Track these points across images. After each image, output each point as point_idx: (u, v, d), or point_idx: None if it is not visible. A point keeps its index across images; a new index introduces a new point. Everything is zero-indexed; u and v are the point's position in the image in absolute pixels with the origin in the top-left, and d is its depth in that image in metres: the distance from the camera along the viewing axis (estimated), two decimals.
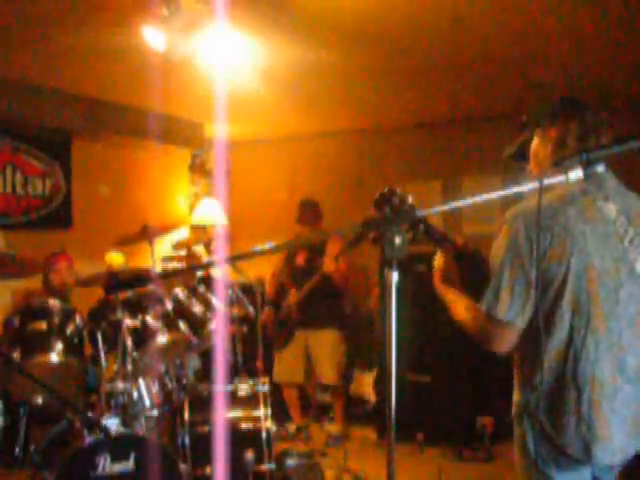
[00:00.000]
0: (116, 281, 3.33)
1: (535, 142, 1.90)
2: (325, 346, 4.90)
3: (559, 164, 1.40)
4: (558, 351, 1.67)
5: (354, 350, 5.51)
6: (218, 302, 3.79)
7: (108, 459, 2.83)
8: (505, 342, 1.72)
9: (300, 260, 4.98)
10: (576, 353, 1.66)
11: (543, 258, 1.65)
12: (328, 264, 4.64)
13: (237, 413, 3.43)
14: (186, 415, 3.32)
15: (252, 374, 3.97)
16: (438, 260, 1.98)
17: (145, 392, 3.38)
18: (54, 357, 3.17)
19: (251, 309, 4.24)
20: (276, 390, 4.56)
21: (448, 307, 1.92)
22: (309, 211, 5.03)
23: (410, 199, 1.46)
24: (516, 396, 1.80)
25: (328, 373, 4.90)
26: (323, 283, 4.80)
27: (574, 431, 1.66)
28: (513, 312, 1.68)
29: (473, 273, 2.13)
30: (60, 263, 4.15)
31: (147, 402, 3.37)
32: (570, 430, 1.66)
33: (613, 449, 1.67)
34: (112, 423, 2.96)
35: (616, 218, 1.74)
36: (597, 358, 1.66)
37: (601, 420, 1.65)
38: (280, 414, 4.70)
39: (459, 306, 1.85)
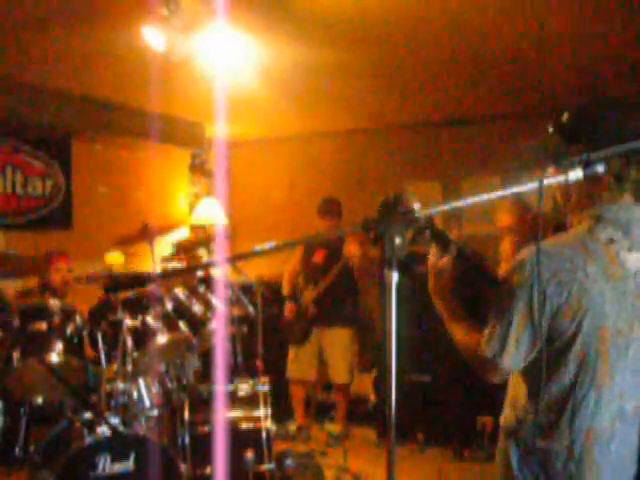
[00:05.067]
0: (116, 281, 3.33)
1: (579, 183, 1.53)
2: (338, 345, 4.91)
3: (559, 164, 1.39)
4: (558, 395, 1.62)
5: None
6: (218, 302, 3.79)
7: (108, 459, 2.82)
8: (499, 379, 1.67)
9: (318, 258, 4.99)
10: (575, 405, 1.61)
11: (556, 314, 1.57)
12: (352, 248, 4.64)
13: (237, 413, 3.43)
14: (186, 415, 3.32)
15: (252, 374, 3.97)
16: (437, 261, 1.83)
17: (145, 392, 3.38)
18: (54, 357, 3.17)
19: (251, 309, 4.24)
20: (279, 387, 4.55)
21: (442, 318, 1.83)
22: (335, 204, 5.03)
23: (416, 205, 1.38)
24: (506, 411, 1.76)
25: (340, 373, 4.91)
26: (341, 279, 4.82)
27: (562, 468, 1.62)
28: (516, 362, 1.61)
29: (474, 275, 2.09)
30: (59, 263, 4.15)
31: (147, 402, 3.37)
32: (558, 466, 1.62)
33: None
34: (112, 423, 2.96)
35: (637, 270, 1.63)
36: (597, 411, 1.61)
37: (591, 465, 1.61)
38: (280, 414, 4.70)
39: (459, 327, 1.76)
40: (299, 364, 5.00)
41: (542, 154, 1.80)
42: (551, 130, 1.75)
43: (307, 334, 4.97)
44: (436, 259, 1.82)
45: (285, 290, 5.18)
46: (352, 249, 4.66)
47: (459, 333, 1.75)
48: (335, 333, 4.91)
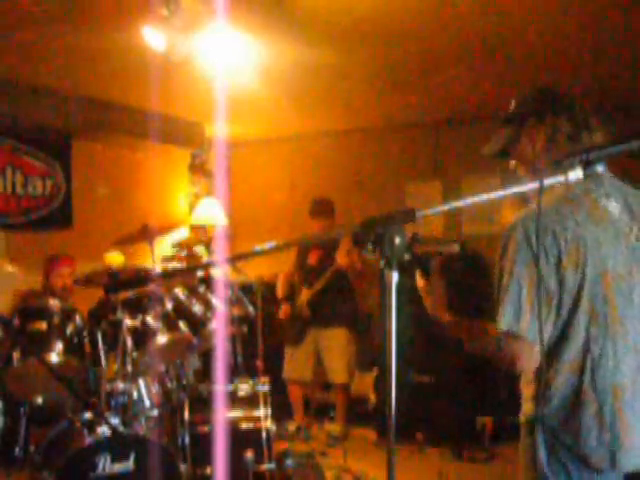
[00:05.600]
0: (116, 281, 3.33)
1: (522, 141, 1.84)
2: (335, 345, 4.90)
3: (558, 164, 1.39)
4: (574, 361, 1.62)
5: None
6: (218, 302, 3.79)
7: (108, 459, 2.82)
8: (532, 361, 1.63)
9: (313, 260, 4.99)
10: (594, 362, 1.61)
11: (560, 265, 1.58)
12: (341, 258, 4.65)
13: (237, 413, 3.43)
14: (186, 415, 3.32)
15: (252, 374, 3.97)
16: (425, 284, 1.84)
17: (145, 392, 3.38)
18: (54, 357, 3.17)
19: (251, 309, 4.24)
20: (278, 387, 4.55)
21: (457, 334, 1.82)
22: (326, 205, 5.03)
23: (397, 239, 1.30)
24: (527, 406, 1.74)
25: (338, 373, 4.90)
26: (335, 281, 4.82)
27: (597, 440, 1.61)
28: (534, 331, 1.58)
29: (476, 276, 2.10)
30: (64, 267, 4.14)
31: (147, 402, 3.37)
32: (592, 440, 1.61)
33: (638, 454, 1.63)
34: (112, 423, 2.96)
35: (619, 216, 1.69)
36: (616, 364, 1.61)
37: (625, 427, 1.61)
38: (280, 414, 4.70)
39: (472, 331, 1.76)
40: (295, 365, 4.99)
41: (497, 149, 1.92)
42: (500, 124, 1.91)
43: (302, 335, 4.96)
44: (426, 287, 1.84)
45: (279, 292, 5.17)
46: (340, 259, 4.67)
47: (475, 335, 1.74)
48: (331, 333, 4.90)
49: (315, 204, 5.01)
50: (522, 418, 1.76)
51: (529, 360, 1.63)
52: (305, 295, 4.95)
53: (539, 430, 1.66)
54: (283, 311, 5.07)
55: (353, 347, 5.00)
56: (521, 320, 1.59)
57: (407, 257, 1.45)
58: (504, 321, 1.60)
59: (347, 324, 4.95)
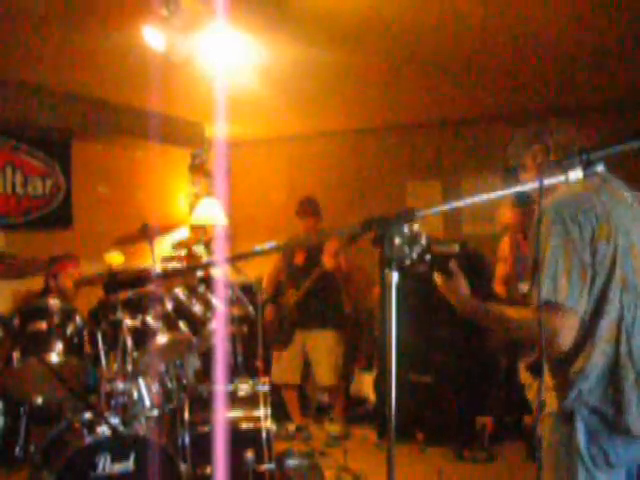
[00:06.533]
0: (116, 281, 3.33)
1: (528, 176, 1.94)
2: (322, 347, 4.88)
3: (559, 164, 1.40)
4: (609, 333, 1.68)
5: (354, 350, 5.52)
6: (218, 302, 3.79)
7: (108, 459, 2.82)
8: (571, 332, 1.68)
9: (299, 260, 4.97)
10: (628, 331, 1.68)
11: (593, 238, 1.67)
12: (327, 261, 4.64)
13: (237, 413, 3.43)
14: (186, 415, 3.32)
15: (252, 374, 3.97)
16: (445, 283, 1.86)
17: (145, 392, 3.37)
18: (54, 357, 3.17)
19: (251, 309, 4.24)
20: (276, 390, 4.55)
21: (489, 325, 1.89)
22: (308, 204, 5.02)
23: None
24: (554, 398, 1.77)
25: (325, 375, 4.89)
26: (322, 282, 4.79)
27: (637, 409, 1.67)
28: (574, 298, 1.66)
29: (476, 276, 2.10)
30: (72, 268, 4.14)
31: (147, 402, 3.36)
32: (633, 408, 1.66)
33: None
34: (112, 423, 2.96)
35: (632, 203, 1.82)
36: None
37: None
38: (280, 414, 4.70)
39: (506, 315, 1.79)
40: (283, 368, 4.96)
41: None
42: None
43: (290, 337, 4.93)
44: (449, 287, 1.85)
45: (266, 292, 5.13)
46: (327, 261, 4.64)
47: (511, 317, 1.78)
48: (319, 335, 4.88)
49: (300, 204, 5.01)
50: (552, 410, 1.77)
51: (570, 331, 1.67)
52: (292, 297, 4.94)
53: (577, 414, 1.69)
54: (268, 312, 5.04)
55: (340, 349, 4.97)
56: (559, 290, 1.66)
57: (428, 257, 1.51)
58: (544, 293, 1.66)
59: (334, 326, 4.92)
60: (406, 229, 1.36)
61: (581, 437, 1.68)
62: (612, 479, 1.71)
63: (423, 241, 1.40)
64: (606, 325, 1.68)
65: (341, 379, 5.04)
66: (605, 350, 1.68)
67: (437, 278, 1.87)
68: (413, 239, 1.37)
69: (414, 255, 1.40)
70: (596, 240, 1.66)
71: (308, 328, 4.89)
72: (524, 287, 2.58)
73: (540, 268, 1.67)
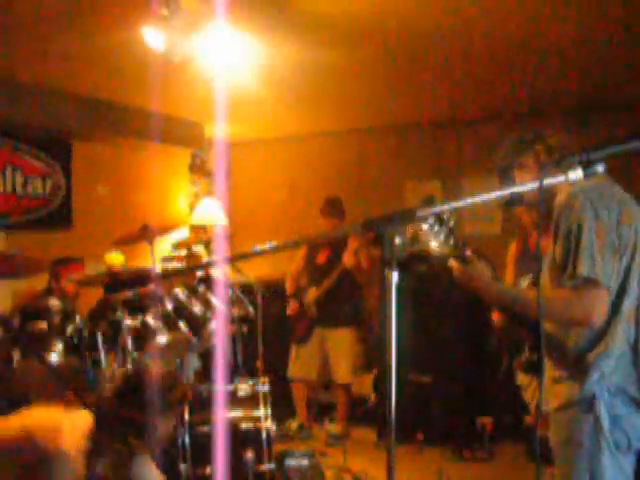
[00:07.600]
0: (116, 281, 3.33)
1: (529, 176, 2.00)
2: (342, 345, 4.90)
3: (559, 164, 1.40)
4: (630, 313, 1.76)
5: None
6: (218, 302, 3.79)
7: None
8: (605, 309, 1.73)
9: (321, 259, 4.99)
10: None
11: (618, 221, 1.75)
12: (347, 258, 4.66)
13: (237, 413, 3.43)
14: (186, 415, 3.32)
15: (252, 374, 3.97)
16: (464, 270, 1.86)
17: None
18: (54, 357, 3.17)
19: (251, 309, 4.24)
20: (280, 386, 4.54)
21: (514, 307, 1.89)
22: (334, 205, 5.00)
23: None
24: (567, 388, 1.80)
25: (343, 372, 4.91)
26: (343, 280, 4.82)
27: None
28: (608, 276, 1.72)
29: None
30: (75, 272, 4.13)
31: None
32: None
33: None
34: None
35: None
36: None
37: None
38: (281, 412, 4.70)
39: (539, 294, 1.78)
40: (301, 363, 5.00)
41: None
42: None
43: (309, 334, 4.97)
44: (468, 273, 1.86)
45: (289, 289, 5.19)
46: (346, 259, 4.68)
47: (545, 296, 1.78)
48: (338, 333, 4.90)
49: (327, 204, 4.99)
50: (574, 398, 1.79)
51: (605, 307, 1.73)
52: (312, 294, 4.96)
53: (599, 397, 1.72)
54: (291, 308, 5.09)
55: (359, 347, 5.01)
56: (596, 266, 1.71)
57: (451, 242, 1.64)
58: (584, 268, 1.71)
59: (353, 324, 4.95)
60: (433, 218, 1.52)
61: (605, 422, 1.72)
62: (629, 461, 1.76)
63: (451, 224, 1.53)
64: (629, 304, 1.75)
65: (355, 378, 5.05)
66: (626, 330, 1.75)
67: (454, 265, 1.86)
68: (441, 223, 1.51)
69: (442, 237, 1.55)
70: (621, 223, 1.75)
71: (328, 326, 4.91)
72: (524, 283, 2.58)
73: (578, 245, 1.73)
